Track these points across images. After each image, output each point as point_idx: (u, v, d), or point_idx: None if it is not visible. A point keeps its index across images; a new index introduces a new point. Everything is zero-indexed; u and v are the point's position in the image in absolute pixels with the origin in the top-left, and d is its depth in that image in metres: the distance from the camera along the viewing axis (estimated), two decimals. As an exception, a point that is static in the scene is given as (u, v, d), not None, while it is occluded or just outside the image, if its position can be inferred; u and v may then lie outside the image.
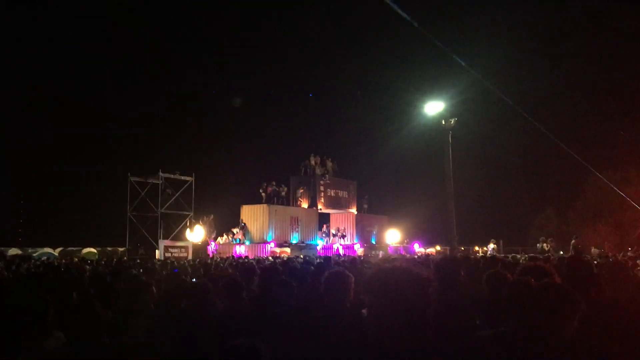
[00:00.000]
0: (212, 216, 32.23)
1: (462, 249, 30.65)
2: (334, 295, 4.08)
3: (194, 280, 7.21)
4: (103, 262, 16.65)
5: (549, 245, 27.37)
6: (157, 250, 28.62)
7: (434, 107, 29.27)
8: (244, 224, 32.58)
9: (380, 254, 31.65)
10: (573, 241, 25.57)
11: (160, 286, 6.19)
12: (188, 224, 31.58)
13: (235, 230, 32.47)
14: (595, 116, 44.33)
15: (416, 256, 23.11)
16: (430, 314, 2.21)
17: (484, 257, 13.39)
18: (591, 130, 44.31)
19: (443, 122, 28.79)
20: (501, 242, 32.90)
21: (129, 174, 30.58)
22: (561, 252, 24.64)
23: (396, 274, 2.24)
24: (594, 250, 24.78)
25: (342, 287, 4.09)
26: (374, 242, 39.66)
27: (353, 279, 4.17)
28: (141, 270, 10.37)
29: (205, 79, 50.29)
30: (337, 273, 4.28)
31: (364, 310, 2.44)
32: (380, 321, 2.21)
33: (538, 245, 28.30)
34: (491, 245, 30.28)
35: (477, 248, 34.84)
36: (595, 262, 11.60)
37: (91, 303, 3.72)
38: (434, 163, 38.60)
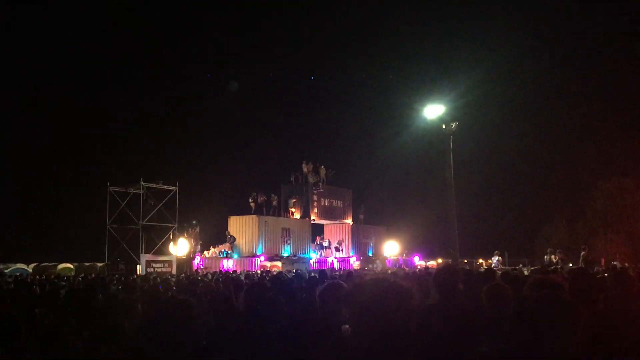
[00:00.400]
0: (197, 228, 32.14)
1: (465, 261, 30.66)
2: (330, 308, 4.08)
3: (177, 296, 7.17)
4: (80, 279, 16.53)
5: (557, 257, 27.39)
6: (138, 265, 28.48)
7: (434, 111, 29.26)
8: (231, 236, 32.50)
9: (379, 266, 31.67)
10: (583, 252, 25.60)
11: (142, 303, 6.16)
12: (172, 236, 31.47)
13: (222, 248, 32.37)
14: (605, 120, 44.64)
15: (417, 269, 23.09)
16: (413, 326, 2.22)
17: (486, 269, 13.42)
18: (602, 134, 44.60)
19: (444, 127, 28.77)
20: (506, 254, 32.91)
21: (108, 183, 30.50)
22: (570, 265, 24.67)
23: (376, 286, 2.26)
24: (604, 263, 24.83)
25: (338, 299, 4.09)
26: (371, 255, 39.64)
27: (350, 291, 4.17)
28: (120, 288, 10.32)
29: (191, 83, 50.35)
30: (333, 284, 4.31)
31: (346, 326, 2.45)
32: (361, 335, 2.22)
33: (546, 257, 28.25)
34: (495, 258, 30.27)
35: (481, 261, 34.86)
36: (605, 274, 11.67)
37: (63, 325, 3.70)
38: (435, 170, 38.73)
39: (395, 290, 2.26)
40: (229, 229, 33.23)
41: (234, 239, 32.41)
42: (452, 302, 4.36)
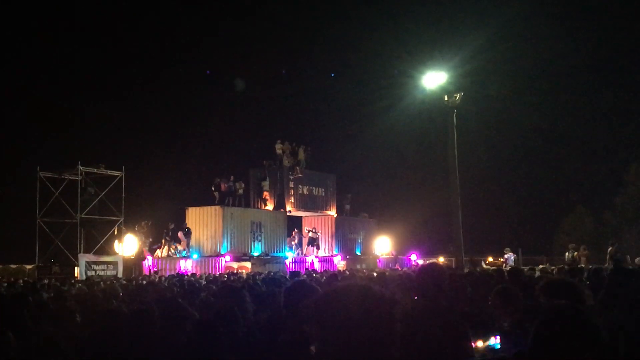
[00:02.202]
0: (149, 222, 32.01)
1: (469, 259, 31.10)
2: (299, 315, 4.02)
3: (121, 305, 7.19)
4: (5, 284, 16.45)
5: (579, 254, 27.89)
6: (76, 268, 28.34)
7: (434, 79, 29.49)
8: (188, 229, 32.36)
9: (368, 267, 31.81)
10: (610, 249, 26.07)
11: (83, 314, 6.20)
12: (117, 232, 31.33)
13: (172, 246, 32.09)
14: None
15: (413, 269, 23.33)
16: (397, 343, 2.22)
17: (499, 270, 13.68)
18: (635, 107, 45.05)
19: (446, 98, 29.03)
20: (520, 250, 33.39)
21: (38, 168, 30.20)
22: (591, 264, 25.10)
23: (351, 296, 2.23)
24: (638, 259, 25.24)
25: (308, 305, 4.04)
26: (359, 253, 39.84)
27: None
28: (52, 294, 10.31)
29: (140, 49, 49.87)
30: (302, 283, 4.26)
31: (312, 348, 2.43)
32: (334, 357, 2.21)
33: (567, 254, 28.74)
34: (507, 255, 30.76)
35: (490, 259, 35.34)
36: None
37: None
38: (435, 151, 39.00)
39: (379, 300, 2.24)
40: (187, 223, 33.12)
41: (190, 233, 32.31)
42: (436, 306, 4.48)
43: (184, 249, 31.82)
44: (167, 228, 32.21)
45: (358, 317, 2.19)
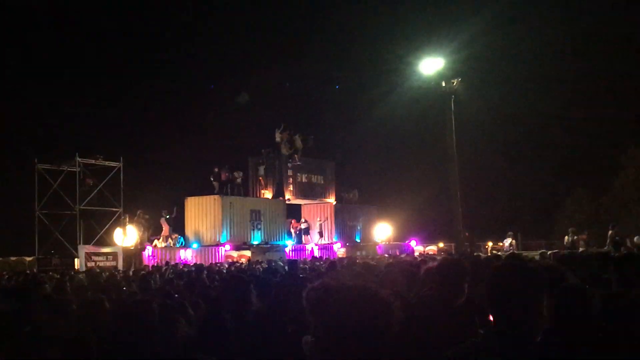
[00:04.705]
0: (145, 213, 32.04)
1: (467, 244, 31.21)
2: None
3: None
4: (5, 276, 16.53)
5: (578, 237, 27.97)
6: (76, 259, 28.43)
7: (431, 65, 29.50)
8: (169, 216, 32.27)
9: (368, 254, 31.92)
10: (610, 232, 26.12)
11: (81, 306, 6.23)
12: (125, 220, 31.32)
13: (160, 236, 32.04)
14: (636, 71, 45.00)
15: (417, 255, 23.56)
16: (392, 343, 2.29)
17: (497, 256, 13.72)
18: (634, 90, 45.04)
19: (443, 84, 29.06)
20: (519, 235, 33.39)
21: (35, 160, 30.24)
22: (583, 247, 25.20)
23: (349, 294, 2.31)
24: (637, 239, 25.28)
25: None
26: (358, 240, 39.96)
27: None
28: (55, 286, 10.37)
29: (136, 37, 49.69)
30: (329, 287, 4.33)
31: (308, 337, 2.45)
32: (328, 353, 2.28)
33: (567, 237, 28.79)
34: (508, 240, 30.74)
35: (490, 244, 35.41)
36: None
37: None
38: (433, 137, 39.00)
39: (376, 301, 2.31)
40: (186, 213, 33.18)
41: (171, 219, 32.30)
42: (455, 302, 4.54)
43: (167, 236, 31.86)
44: (143, 219, 32.12)
45: (353, 319, 2.27)
